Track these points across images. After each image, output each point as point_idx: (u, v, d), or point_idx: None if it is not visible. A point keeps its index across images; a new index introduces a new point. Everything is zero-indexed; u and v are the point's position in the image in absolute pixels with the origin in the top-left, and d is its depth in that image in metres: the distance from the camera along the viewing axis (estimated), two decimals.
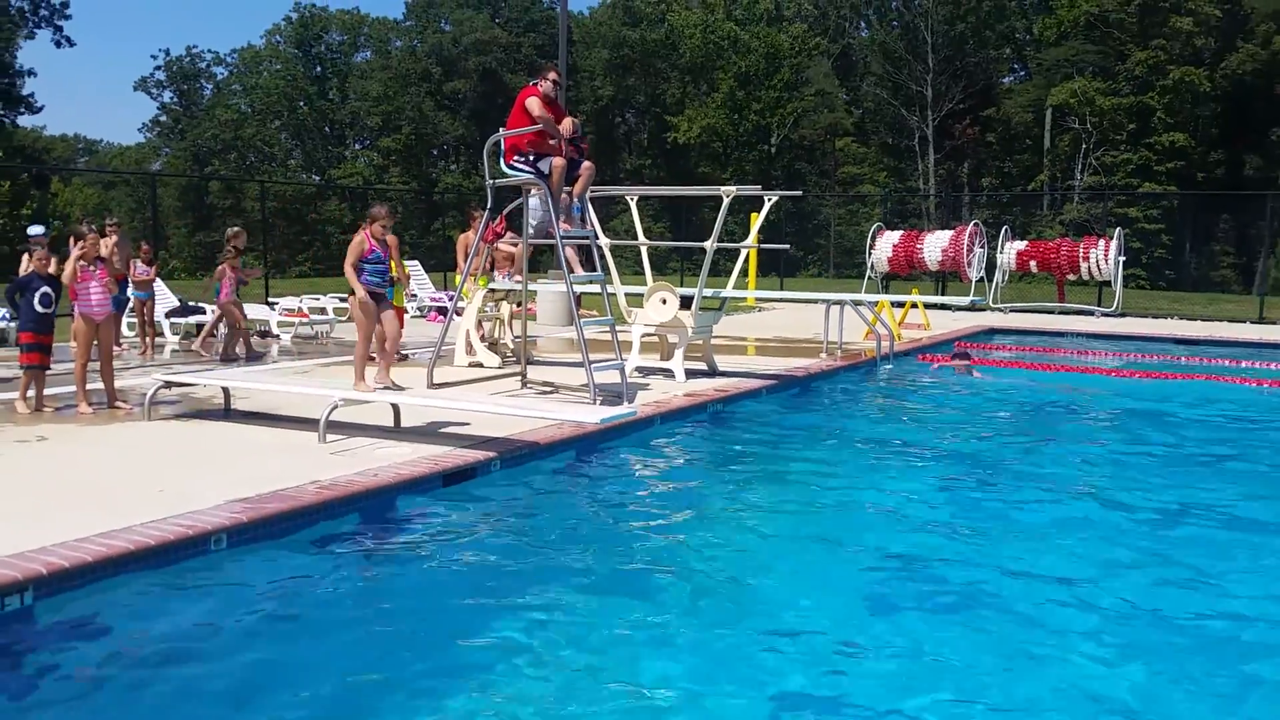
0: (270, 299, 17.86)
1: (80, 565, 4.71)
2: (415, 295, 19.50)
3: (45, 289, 8.67)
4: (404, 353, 12.85)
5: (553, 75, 9.91)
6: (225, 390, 8.93)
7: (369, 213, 9.28)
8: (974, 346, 16.48)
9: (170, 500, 5.74)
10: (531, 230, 10.74)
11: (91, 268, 8.73)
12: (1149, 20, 45.15)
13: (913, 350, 14.92)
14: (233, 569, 5.20)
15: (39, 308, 8.64)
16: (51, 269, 8.83)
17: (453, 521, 6.31)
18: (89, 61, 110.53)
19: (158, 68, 64.11)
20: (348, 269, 9.07)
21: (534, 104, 9.57)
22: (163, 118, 65.44)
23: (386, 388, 9.07)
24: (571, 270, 10.13)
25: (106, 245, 12.03)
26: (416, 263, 21.18)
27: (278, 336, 15.02)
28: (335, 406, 7.68)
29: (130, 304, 13.55)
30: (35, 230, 11.63)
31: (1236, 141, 46.24)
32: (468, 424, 8.09)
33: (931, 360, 13.85)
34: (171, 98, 64.96)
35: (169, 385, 8.87)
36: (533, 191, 10.28)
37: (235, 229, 12.88)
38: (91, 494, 5.98)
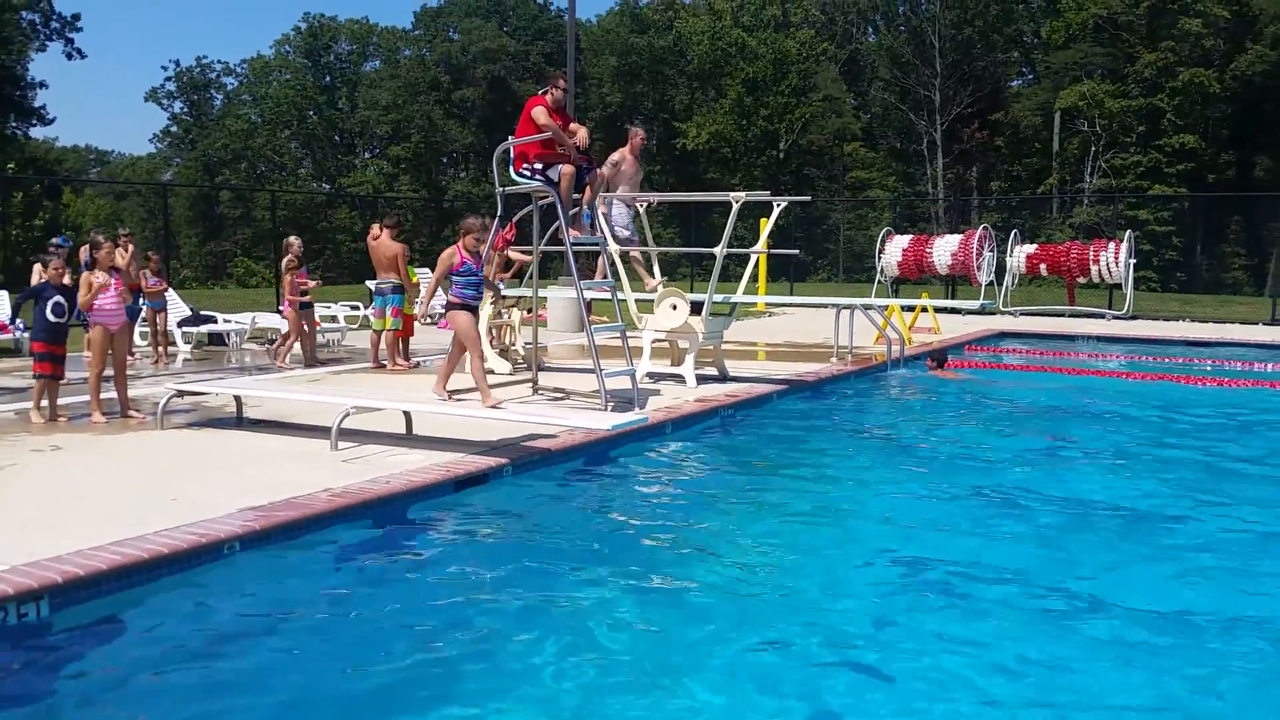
0: (281, 308, 17.89)
1: (95, 574, 4.73)
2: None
3: (58, 298, 8.71)
4: (416, 360, 12.90)
5: (561, 84, 9.95)
6: (237, 399, 8.96)
7: (462, 225, 9.19)
8: (984, 350, 16.44)
9: (183, 508, 5.76)
10: (622, 236, 11.47)
11: (107, 277, 8.77)
12: (1158, 22, 45.03)
13: (923, 354, 14.88)
14: (246, 576, 5.21)
15: (51, 317, 8.68)
16: (66, 280, 8.88)
17: (465, 528, 6.32)
18: (100, 73, 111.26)
19: (168, 79, 64.60)
20: (434, 281, 9.19)
21: (540, 113, 9.60)
22: (173, 128, 65.83)
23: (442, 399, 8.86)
24: (591, 277, 10.21)
25: (123, 255, 12.16)
26: (426, 270, 21.21)
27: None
28: (347, 414, 7.70)
29: (143, 314, 13.64)
30: (58, 240, 11.76)
31: (1247, 142, 46.07)
32: (479, 430, 8.09)
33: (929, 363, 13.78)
34: (182, 108, 65.34)
35: (181, 394, 8.91)
36: (611, 202, 10.68)
37: (291, 238, 13.10)
38: (105, 503, 6.00)
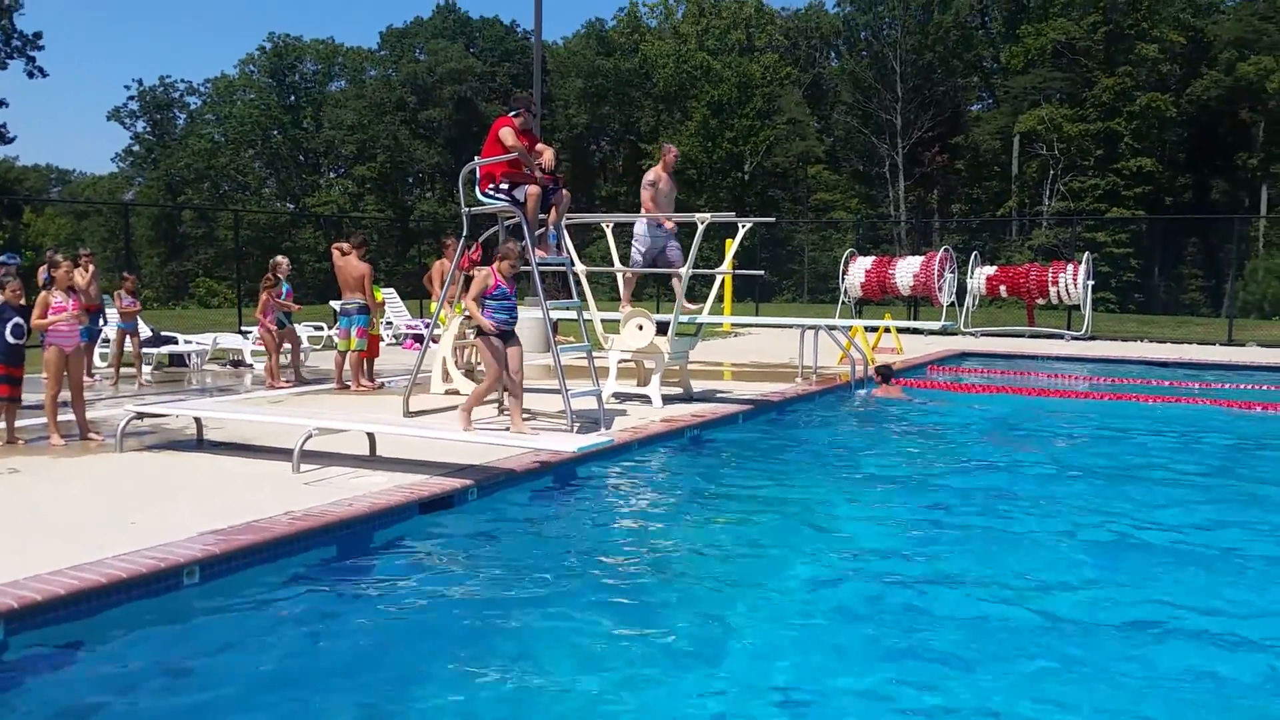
0: (243, 328, 17.76)
1: (52, 599, 4.66)
2: (391, 323, 19.46)
3: (17, 319, 8.59)
4: (380, 380, 12.84)
5: (530, 108, 10.00)
6: (198, 421, 8.86)
7: (500, 249, 8.89)
8: (946, 370, 16.60)
9: (142, 532, 5.69)
10: (640, 258, 11.61)
11: (63, 298, 8.67)
12: (1115, 48, 45.96)
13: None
14: (206, 601, 5.15)
15: (10, 338, 8.55)
16: (23, 300, 8.76)
17: (429, 550, 6.29)
18: (62, 92, 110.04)
19: (131, 98, 64.01)
20: (469, 303, 8.75)
21: (507, 134, 9.62)
22: (136, 147, 65.20)
23: (521, 432, 8.44)
24: (558, 297, 10.23)
25: (83, 275, 12.05)
26: (392, 290, 21.14)
27: (251, 366, 14.92)
28: (309, 436, 7.64)
29: (101, 335, 13.50)
30: (4, 258, 11.52)
31: (1203, 166, 47.02)
32: (444, 452, 8.06)
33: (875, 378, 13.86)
34: (144, 127, 64.76)
35: (141, 416, 8.80)
36: (650, 225, 10.78)
37: (279, 258, 13.06)
38: (63, 527, 5.92)
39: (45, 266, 9.29)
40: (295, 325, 13.26)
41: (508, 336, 8.74)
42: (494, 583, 5.68)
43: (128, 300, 13.13)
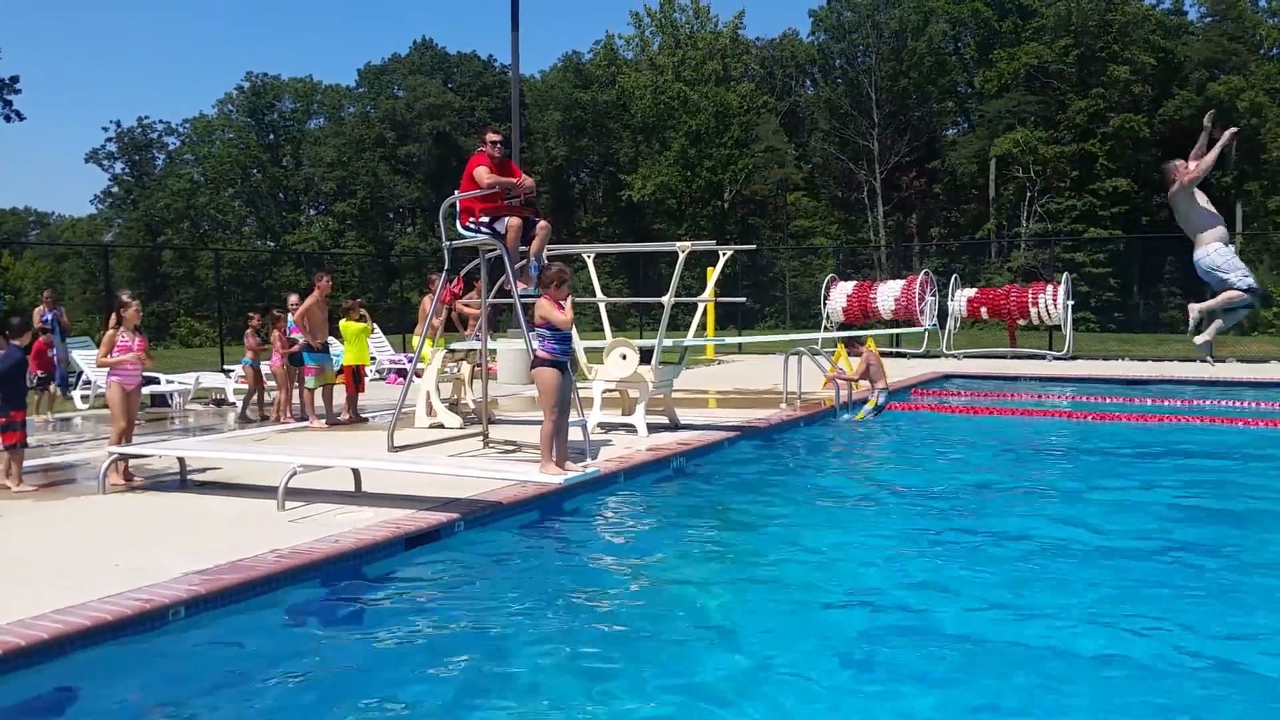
0: (225, 366, 17.69)
1: (37, 643, 4.61)
2: (375, 358, 19.42)
3: (21, 357, 8.60)
4: (364, 415, 12.80)
5: (490, 136, 9.85)
6: (181, 460, 8.81)
7: (549, 274, 8.45)
8: (930, 394, 16.66)
9: (127, 574, 5.64)
10: None
11: (129, 337, 8.77)
12: (1087, 70, 46.54)
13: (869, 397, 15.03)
14: (192, 642, 5.11)
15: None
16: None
17: (416, 586, 6.24)
18: (39, 134, 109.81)
19: (109, 139, 64.03)
20: (555, 314, 8.28)
21: (482, 174, 9.49)
22: (115, 189, 65.14)
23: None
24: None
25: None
26: (375, 325, 21.08)
27: (234, 404, 14.84)
28: (294, 473, 7.60)
29: (84, 377, 13.48)
30: None
31: None
32: (430, 486, 8.02)
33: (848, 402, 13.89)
34: (123, 168, 64.72)
35: (123, 457, 8.74)
36: None
37: (292, 296, 13.29)
38: (47, 570, 5.86)
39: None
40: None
41: (562, 369, 8.35)
42: (481, 617, 5.64)
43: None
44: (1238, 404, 14.59)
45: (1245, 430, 12.70)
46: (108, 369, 8.79)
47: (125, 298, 9.11)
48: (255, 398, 13.30)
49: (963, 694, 4.56)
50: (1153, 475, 9.77)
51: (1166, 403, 14.82)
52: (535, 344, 8.38)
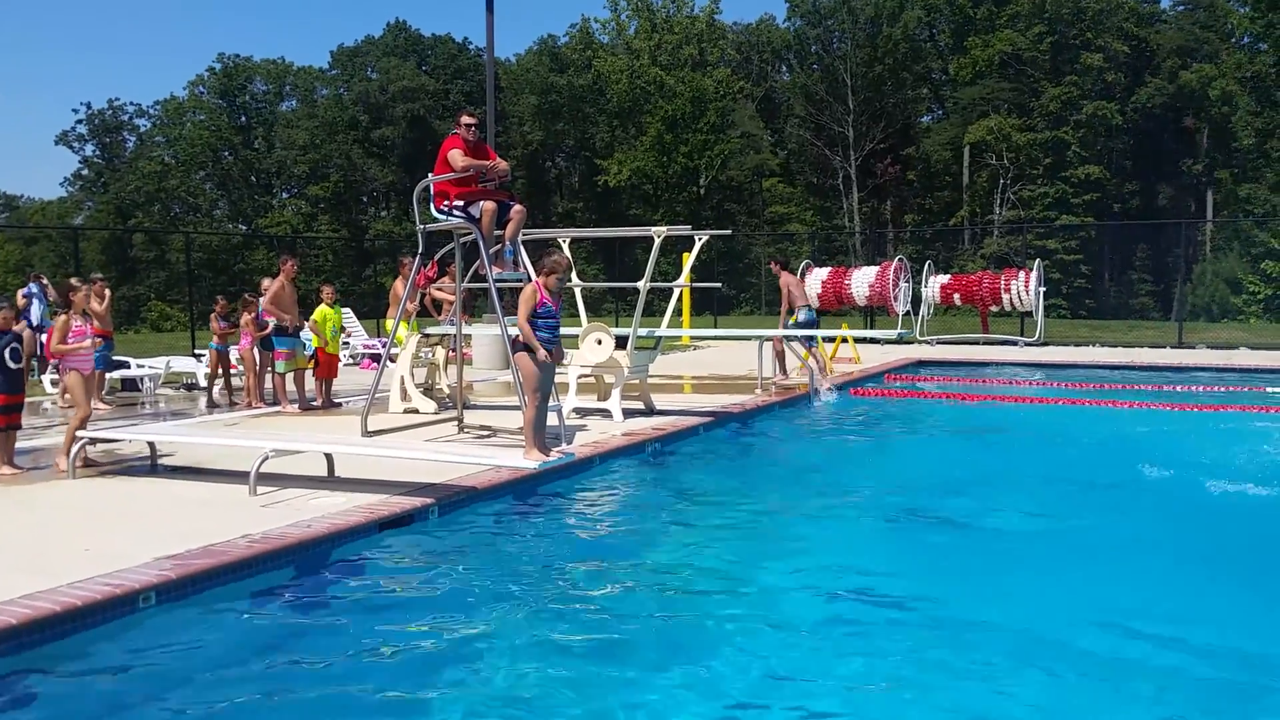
0: (196, 350, 17.53)
1: (4, 629, 4.58)
2: (349, 343, 19.31)
3: (14, 345, 8.41)
4: (337, 401, 12.73)
5: (464, 119, 9.79)
6: (151, 445, 8.74)
7: (548, 262, 8.44)
8: (903, 379, 16.75)
9: (97, 559, 5.60)
10: None
11: (82, 322, 8.58)
12: (1061, 57, 46.81)
13: (845, 384, 15.12)
14: (162, 627, 5.08)
15: (11, 364, 8.38)
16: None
17: (390, 570, 6.23)
18: (8, 117, 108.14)
19: (79, 121, 63.29)
20: (522, 323, 8.32)
21: (455, 156, 9.42)
22: (85, 171, 64.37)
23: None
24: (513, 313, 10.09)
25: (99, 301, 12.50)
26: (349, 310, 20.98)
27: (205, 389, 14.71)
28: (266, 458, 7.56)
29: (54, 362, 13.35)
30: None
31: (1150, 172, 47.98)
32: (404, 471, 8.00)
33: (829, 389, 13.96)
34: (93, 151, 63.97)
35: (93, 442, 8.66)
36: None
37: (265, 280, 13.19)
38: (15, 555, 5.81)
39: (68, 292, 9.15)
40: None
41: (550, 356, 8.36)
42: (455, 601, 5.64)
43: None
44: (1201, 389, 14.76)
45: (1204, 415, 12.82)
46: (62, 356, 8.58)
47: (73, 281, 8.97)
48: (222, 383, 13.25)
49: (939, 671, 4.60)
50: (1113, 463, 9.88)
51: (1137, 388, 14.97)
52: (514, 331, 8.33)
